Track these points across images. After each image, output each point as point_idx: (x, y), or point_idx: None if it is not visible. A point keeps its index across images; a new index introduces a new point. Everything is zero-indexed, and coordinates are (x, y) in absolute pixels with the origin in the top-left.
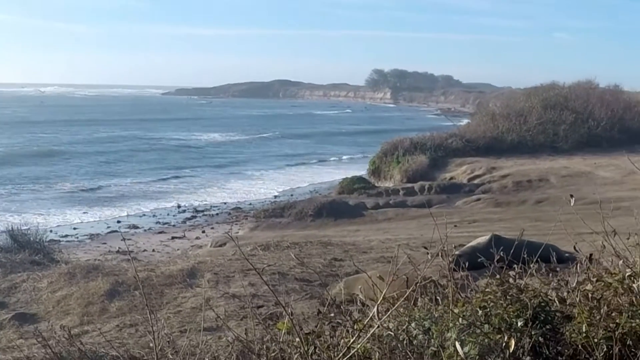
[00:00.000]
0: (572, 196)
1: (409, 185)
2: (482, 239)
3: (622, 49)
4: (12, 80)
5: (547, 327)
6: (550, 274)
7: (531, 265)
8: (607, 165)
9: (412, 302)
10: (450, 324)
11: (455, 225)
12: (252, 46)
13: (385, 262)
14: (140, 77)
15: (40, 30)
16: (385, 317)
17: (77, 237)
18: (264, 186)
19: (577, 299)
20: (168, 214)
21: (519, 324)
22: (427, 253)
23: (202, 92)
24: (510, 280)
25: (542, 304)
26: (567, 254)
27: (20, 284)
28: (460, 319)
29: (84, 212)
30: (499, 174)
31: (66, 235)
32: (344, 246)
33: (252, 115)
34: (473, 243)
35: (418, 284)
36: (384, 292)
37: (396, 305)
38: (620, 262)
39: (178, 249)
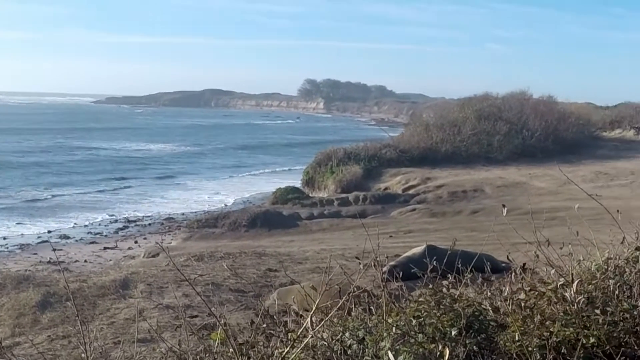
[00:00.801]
0: (504, 206)
1: (344, 195)
2: (417, 250)
3: (555, 59)
4: None
5: (482, 336)
6: (485, 284)
7: (465, 275)
8: (542, 175)
9: (346, 312)
10: (384, 334)
11: (391, 236)
12: (184, 55)
13: (320, 272)
14: (71, 85)
15: None
16: (318, 327)
17: (7, 248)
18: (198, 196)
19: (511, 308)
20: (100, 224)
21: (453, 333)
22: (360, 263)
23: (133, 101)
24: (444, 289)
25: (476, 313)
26: (503, 264)
27: None
28: (394, 329)
29: (18, 223)
30: (434, 185)
31: None
32: (278, 257)
33: (185, 125)
34: (408, 253)
35: (351, 294)
36: (317, 302)
37: (329, 315)
38: (553, 271)
39: (110, 260)
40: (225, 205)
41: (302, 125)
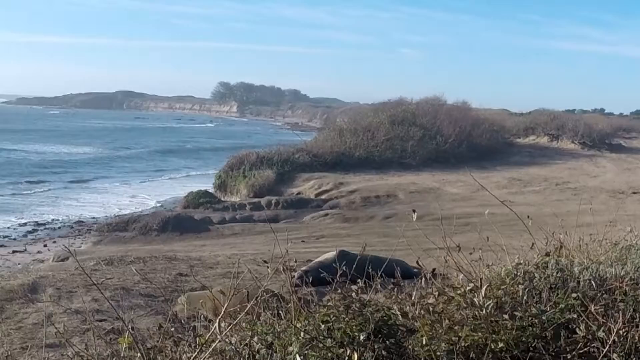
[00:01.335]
0: (414, 211)
1: (256, 200)
2: (329, 255)
3: (470, 65)
4: None
5: (391, 340)
6: (395, 289)
7: (376, 280)
8: (456, 181)
9: (255, 316)
10: (293, 338)
11: (303, 241)
12: (96, 55)
13: (231, 277)
14: None
15: None
16: (226, 331)
17: None
18: (110, 200)
19: (419, 313)
20: (9, 228)
21: (362, 337)
22: (268, 267)
23: (44, 102)
24: (353, 294)
25: (385, 318)
26: (415, 269)
27: None
28: (302, 333)
29: None
30: (347, 190)
31: None
32: (189, 261)
33: (99, 127)
34: (320, 259)
35: (260, 299)
36: (225, 307)
37: (237, 320)
38: (462, 276)
39: (19, 264)
40: (136, 208)
41: (216, 129)
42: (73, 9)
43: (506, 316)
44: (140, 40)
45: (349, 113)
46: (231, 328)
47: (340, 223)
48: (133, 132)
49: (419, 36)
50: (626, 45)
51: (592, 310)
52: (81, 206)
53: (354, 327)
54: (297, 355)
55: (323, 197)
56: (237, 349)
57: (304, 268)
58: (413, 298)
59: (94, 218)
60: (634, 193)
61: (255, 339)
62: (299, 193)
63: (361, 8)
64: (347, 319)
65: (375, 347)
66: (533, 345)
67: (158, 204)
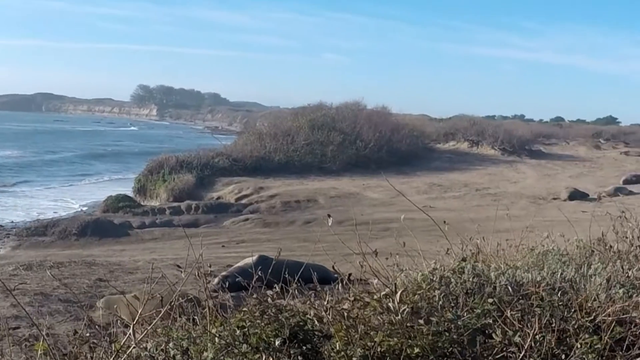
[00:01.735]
0: (329, 216)
1: (176, 204)
2: (249, 260)
3: (391, 71)
4: None
5: (307, 346)
6: (312, 294)
7: (293, 285)
8: (376, 186)
9: (171, 322)
10: (209, 344)
11: (223, 246)
12: (13, 57)
13: (152, 282)
14: None
15: None
16: (141, 336)
17: None
18: (29, 204)
19: (333, 318)
20: None
21: (277, 343)
22: (182, 272)
23: None
24: (269, 299)
25: (301, 323)
26: (335, 275)
27: None
28: (217, 339)
29: None
30: (267, 194)
31: None
32: (109, 266)
33: (17, 130)
34: (240, 264)
35: (174, 304)
36: (139, 312)
37: (152, 325)
38: (376, 281)
39: None
40: (56, 212)
41: (138, 133)
42: None
43: (422, 321)
44: (59, 42)
45: (269, 117)
46: (147, 333)
47: (260, 228)
48: (53, 135)
49: (342, 41)
50: (546, 52)
51: (509, 315)
52: (1, 210)
53: (269, 332)
54: None
55: (243, 201)
56: (153, 355)
57: (223, 273)
58: (328, 303)
59: (12, 222)
60: (554, 199)
61: (171, 344)
62: (219, 197)
63: (284, 12)
64: (262, 324)
65: (291, 352)
66: (449, 350)
67: (81, 208)
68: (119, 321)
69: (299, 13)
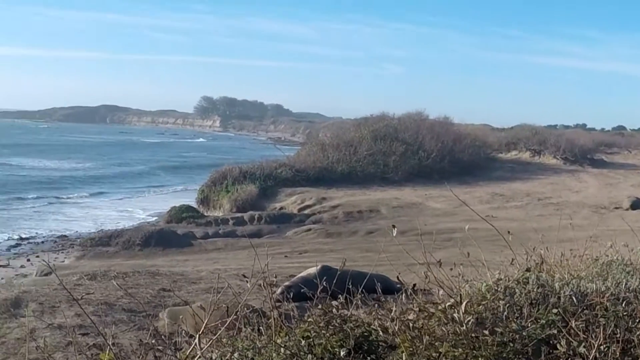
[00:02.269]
0: (394, 227)
1: (239, 215)
2: (312, 270)
3: (452, 80)
4: None
5: (371, 356)
6: (376, 304)
7: (357, 296)
8: (438, 196)
9: (236, 332)
10: (274, 354)
11: (286, 256)
12: (78, 69)
13: (214, 292)
14: None
15: None
16: (206, 347)
17: None
18: (95, 215)
19: (399, 329)
20: None
21: (342, 353)
22: (248, 282)
23: (27, 116)
24: (334, 310)
25: (365, 333)
26: (398, 285)
27: None
28: (283, 349)
29: None
30: (330, 205)
31: None
32: (172, 276)
33: (85, 142)
34: (303, 274)
35: (240, 314)
36: (205, 322)
37: (217, 335)
38: (441, 291)
39: (2, 278)
40: (119, 223)
41: (203, 144)
42: (53, 22)
43: (487, 332)
44: (124, 54)
45: (332, 128)
46: (212, 344)
47: (323, 238)
48: (119, 147)
49: (402, 51)
50: (607, 61)
51: (573, 325)
52: (67, 221)
53: (334, 343)
54: None
55: (306, 212)
56: None
57: (286, 283)
58: (393, 314)
59: (77, 233)
60: (616, 208)
61: (236, 354)
62: (281, 208)
63: (344, 23)
64: (327, 334)
65: None
66: None
67: (145, 219)
68: (183, 331)
69: (359, 24)
